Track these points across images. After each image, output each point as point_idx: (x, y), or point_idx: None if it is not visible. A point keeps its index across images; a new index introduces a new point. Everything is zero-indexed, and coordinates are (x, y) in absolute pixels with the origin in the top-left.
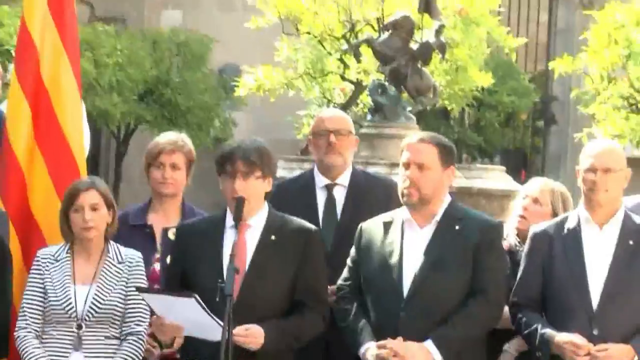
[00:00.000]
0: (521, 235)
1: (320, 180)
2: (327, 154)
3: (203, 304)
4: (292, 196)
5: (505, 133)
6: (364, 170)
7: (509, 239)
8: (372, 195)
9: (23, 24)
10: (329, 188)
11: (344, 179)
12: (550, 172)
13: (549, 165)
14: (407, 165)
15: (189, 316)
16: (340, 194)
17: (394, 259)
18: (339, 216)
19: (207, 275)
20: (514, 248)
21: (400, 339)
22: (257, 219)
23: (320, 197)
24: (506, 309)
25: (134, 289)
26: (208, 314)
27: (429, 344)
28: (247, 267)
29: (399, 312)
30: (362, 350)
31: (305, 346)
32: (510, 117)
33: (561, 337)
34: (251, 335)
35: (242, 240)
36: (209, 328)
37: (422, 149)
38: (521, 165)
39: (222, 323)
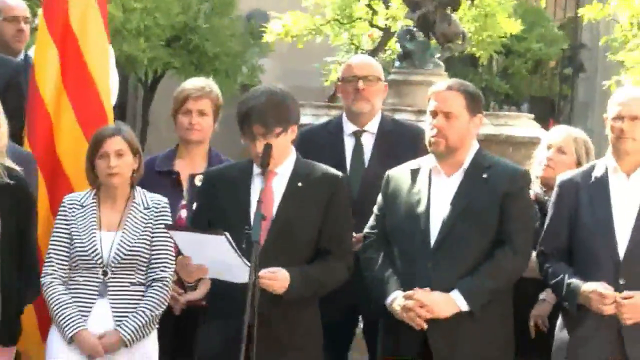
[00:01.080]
0: (545, 184)
1: (349, 127)
2: (355, 100)
3: (232, 242)
4: (320, 142)
5: (533, 81)
6: (393, 118)
7: (534, 187)
8: (400, 142)
9: None
10: (357, 135)
11: (372, 126)
12: (579, 120)
13: (577, 113)
14: (434, 114)
15: (217, 256)
16: (368, 141)
17: (421, 208)
18: (366, 163)
19: (234, 222)
20: (541, 197)
21: (427, 289)
22: (284, 166)
23: (348, 144)
24: (534, 256)
25: (159, 234)
26: (237, 252)
27: (455, 294)
28: (274, 214)
29: (426, 261)
30: (388, 300)
31: (331, 297)
32: (539, 65)
33: (587, 287)
34: (275, 277)
35: (269, 187)
36: (235, 269)
37: (449, 97)
38: (549, 113)
39: (249, 264)
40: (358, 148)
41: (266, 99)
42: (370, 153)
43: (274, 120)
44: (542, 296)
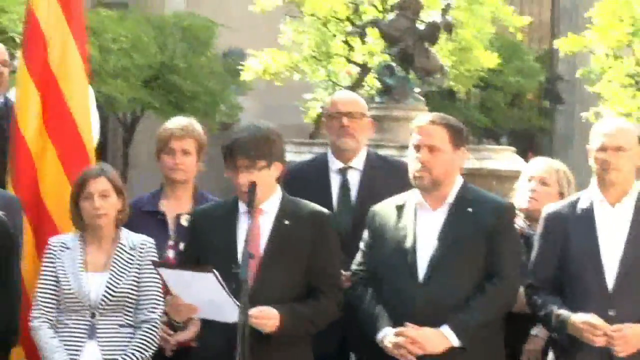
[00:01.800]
0: (529, 216)
1: (334, 164)
2: (340, 136)
3: (221, 279)
4: (306, 179)
5: (512, 114)
6: (377, 153)
7: (518, 221)
8: (387, 178)
9: (30, 10)
10: (343, 171)
11: (358, 162)
12: (559, 153)
13: (557, 146)
14: (417, 148)
15: (206, 295)
16: (354, 177)
17: (408, 243)
18: (353, 200)
19: (222, 261)
20: (525, 231)
21: (415, 326)
22: (270, 203)
23: (335, 181)
24: (521, 291)
25: (147, 275)
26: (225, 290)
27: (446, 329)
28: (261, 252)
29: (415, 296)
30: (379, 336)
31: (322, 332)
32: (517, 98)
33: (577, 318)
34: (266, 316)
35: (256, 226)
36: (225, 308)
37: (432, 131)
38: (528, 146)
39: (238, 303)
40: (345, 184)
41: (249, 133)
42: (357, 189)
43: (257, 154)
44: (534, 332)
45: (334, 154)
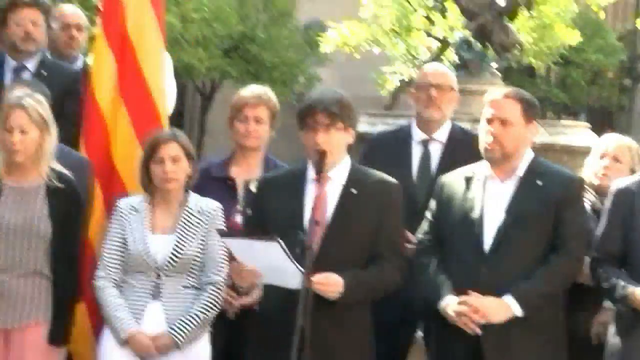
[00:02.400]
0: (600, 192)
1: (418, 135)
2: (427, 107)
3: (286, 248)
4: (388, 148)
5: (591, 91)
6: (462, 127)
7: (588, 196)
8: (468, 152)
9: None
10: (425, 143)
11: (442, 134)
12: (637, 131)
13: (635, 124)
14: (490, 121)
15: (270, 262)
16: (436, 149)
17: (475, 214)
18: (433, 171)
19: (288, 227)
20: (597, 205)
21: (478, 294)
22: (339, 171)
23: (416, 151)
24: (586, 263)
25: (213, 239)
26: (290, 258)
27: (508, 298)
28: (328, 220)
29: (479, 267)
30: (442, 304)
31: (386, 300)
32: (597, 76)
33: None
34: (329, 282)
35: (324, 193)
36: (288, 274)
37: (505, 105)
38: (606, 124)
39: (302, 269)
40: (425, 156)
41: (332, 94)
42: (438, 161)
43: (339, 113)
44: (606, 304)
45: (419, 125)
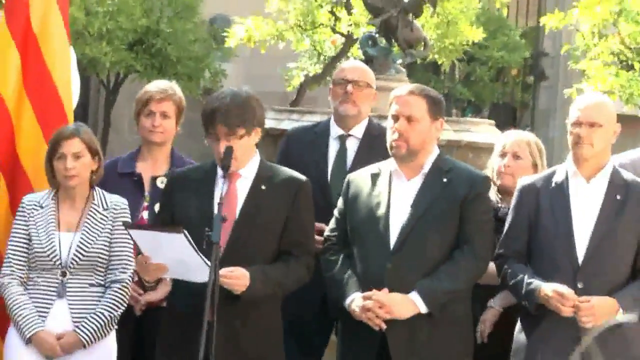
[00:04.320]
0: (502, 191)
1: (335, 130)
2: (343, 102)
3: (191, 240)
4: (305, 143)
5: (495, 88)
6: (380, 124)
7: (490, 194)
8: (384, 148)
9: None
10: (342, 138)
11: (358, 130)
12: (540, 128)
13: (538, 121)
14: (395, 118)
15: (176, 255)
16: (352, 145)
17: (381, 211)
18: (348, 167)
19: (196, 223)
20: (496, 205)
21: (385, 290)
22: (248, 169)
23: (333, 147)
24: (491, 264)
25: (119, 235)
26: (196, 251)
27: (414, 295)
28: (236, 216)
29: (385, 263)
30: (347, 301)
31: (301, 298)
32: (501, 72)
33: (547, 286)
34: (235, 276)
35: (233, 190)
36: (195, 268)
37: (411, 101)
38: (510, 121)
39: (208, 262)
40: (342, 152)
41: (230, 100)
42: (353, 157)
43: (237, 121)
44: (490, 303)
45: (336, 121)
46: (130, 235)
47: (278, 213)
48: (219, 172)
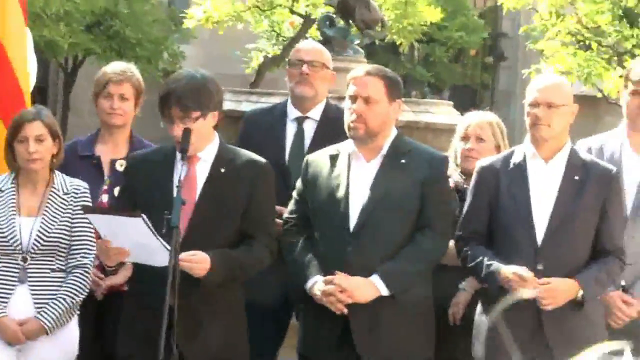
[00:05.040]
0: (466, 173)
1: (292, 113)
2: (299, 84)
3: (150, 224)
4: (263, 126)
5: (455, 69)
6: (338, 106)
7: (454, 176)
8: (341, 130)
9: None
10: (299, 120)
11: (316, 112)
12: (500, 108)
13: (499, 102)
14: (353, 99)
15: (136, 239)
16: (310, 128)
17: (340, 193)
18: (306, 150)
19: (156, 207)
20: (460, 185)
21: (345, 274)
22: (207, 152)
23: (290, 129)
24: (452, 244)
25: (80, 220)
26: (155, 235)
27: (375, 278)
28: (196, 199)
29: (346, 246)
30: (309, 284)
31: (266, 282)
32: (460, 54)
33: (507, 269)
34: (196, 260)
35: (192, 173)
36: (155, 252)
37: (368, 82)
38: (471, 102)
39: (168, 247)
40: (299, 134)
41: (186, 83)
42: (311, 139)
43: (192, 105)
44: (461, 285)
45: (293, 103)
46: (89, 220)
47: (239, 196)
48: (178, 154)
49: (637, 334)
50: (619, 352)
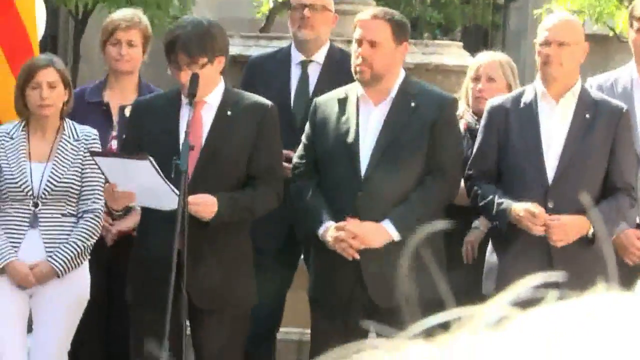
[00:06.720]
0: (477, 114)
1: (296, 56)
2: (300, 27)
3: (157, 166)
4: (267, 70)
5: (466, 10)
6: (341, 49)
7: (466, 116)
8: (346, 73)
9: None
10: (303, 64)
11: (320, 56)
12: (511, 49)
13: (510, 42)
14: (359, 42)
15: (143, 182)
16: (314, 71)
17: (350, 137)
18: (311, 93)
19: (163, 151)
20: (472, 125)
21: (356, 220)
22: (213, 96)
23: (295, 73)
24: (463, 184)
25: (90, 166)
26: (162, 178)
27: (386, 223)
28: (202, 143)
29: (356, 191)
30: (321, 230)
31: (268, 227)
32: None
33: (518, 206)
34: (203, 202)
35: (198, 117)
36: (162, 195)
37: (374, 26)
38: (482, 43)
39: (176, 190)
40: (304, 78)
41: (192, 29)
42: (316, 83)
43: (198, 50)
44: (475, 224)
45: (296, 46)
46: (96, 163)
47: (245, 139)
48: (184, 99)
49: None
50: (554, 284)
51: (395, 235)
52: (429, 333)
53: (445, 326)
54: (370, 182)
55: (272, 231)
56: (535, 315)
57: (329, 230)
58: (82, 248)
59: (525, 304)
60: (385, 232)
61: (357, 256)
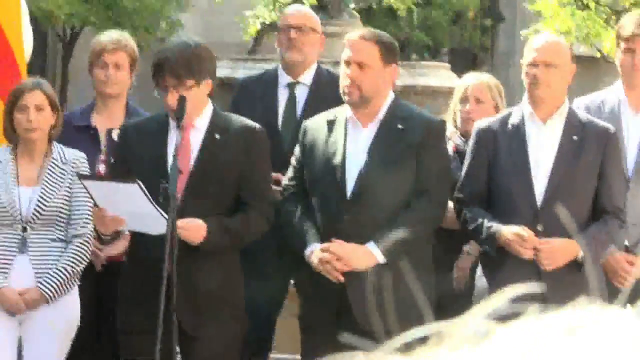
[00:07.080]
0: (465, 136)
1: (284, 78)
2: (287, 49)
3: (146, 190)
4: (254, 93)
5: (454, 32)
6: (329, 70)
7: (454, 138)
8: (334, 94)
9: None
10: (291, 86)
11: (307, 77)
12: (499, 70)
13: (498, 63)
14: (347, 63)
15: (132, 207)
16: (302, 93)
17: (337, 159)
18: (298, 115)
19: (151, 176)
20: (461, 148)
21: (341, 242)
22: (201, 119)
23: (282, 95)
24: (452, 206)
25: (79, 190)
26: (151, 202)
27: (371, 245)
28: (191, 167)
29: (343, 213)
30: (307, 252)
31: (256, 249)
32: (458, 16)
33: (507, 229)
34: (192, 227)
35: (187, 140)
36: (151, 220)
37: (362, 47)
38: (470, 65)
39: (165, 214)
40: (291, 100)
41: (178, 51)
42: (303, 105)
43: (185, 72)
44: (466, 248)
45: (284, 68)
46: (85, 187)
47: (234, 163)
48: (172, 122)
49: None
50: (537, 296)
51: (380, 258)
52: (409, 348)
53: (425, 341)
54: (356, 205)
55: (262, 252)
56: (514, 329)
57: (314, 252)
58: (72, 273)
59: (506, 317)
60: (370, 254)
61: (342, 278)
